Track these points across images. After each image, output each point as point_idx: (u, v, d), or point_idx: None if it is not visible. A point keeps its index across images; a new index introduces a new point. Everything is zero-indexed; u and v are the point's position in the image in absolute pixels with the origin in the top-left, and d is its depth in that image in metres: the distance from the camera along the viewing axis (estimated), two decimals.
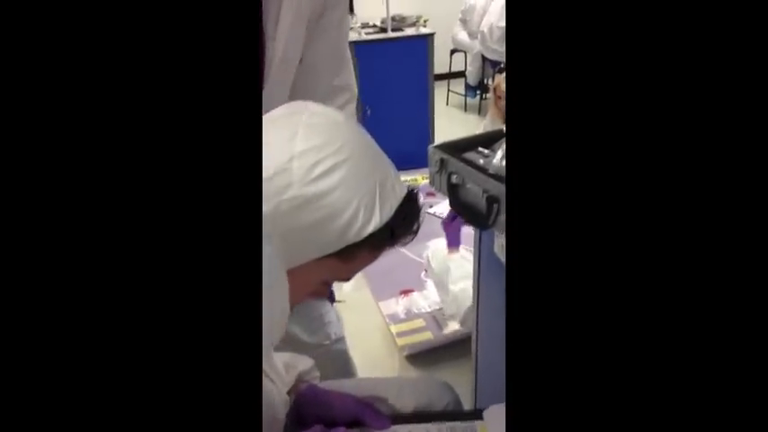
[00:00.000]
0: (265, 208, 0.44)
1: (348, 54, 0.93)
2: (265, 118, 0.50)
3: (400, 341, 1.66)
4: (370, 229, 0.46)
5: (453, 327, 1.69)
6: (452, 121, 4.09)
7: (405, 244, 0.52)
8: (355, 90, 0.96)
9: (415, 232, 0.52)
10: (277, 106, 0.53)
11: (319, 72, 0.88)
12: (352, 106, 0.97)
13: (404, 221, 0.50)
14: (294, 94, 0.86)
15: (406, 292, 1.91)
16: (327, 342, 1.07)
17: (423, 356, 1.62)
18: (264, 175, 0.44)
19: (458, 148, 0.87)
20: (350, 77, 0.94)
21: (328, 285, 0.54)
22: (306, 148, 0.45)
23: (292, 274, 0.47)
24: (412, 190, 0.52)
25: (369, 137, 0.51)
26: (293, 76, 0.85)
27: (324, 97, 0.90)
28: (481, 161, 0.80)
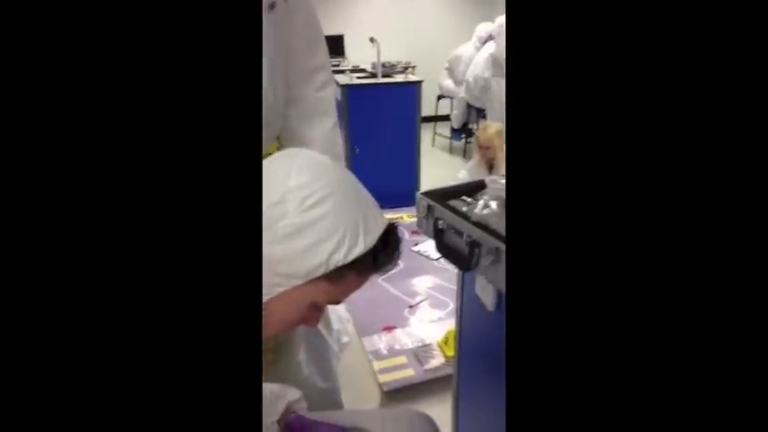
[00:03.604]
0: (265, 236, 0.51)
1: (321, 35, 0.97)
2: (265, 161, 0.58)
3: (382, 378, 1.69)
4: (356, 252, 0.54)
5: (434, 364, 1.73)
6: (438, 162, 4.22)
7: (387, 271, 0.59)
8: (330, 71, 0.99)
9: (396, 260, 0.60)
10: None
11: (295, 55, 0.92)
12: (332, 88, 1.00)
13: (386, 249, 0.58)
14: (273, 74, 0.87)
15: (389, 329, 1.95)
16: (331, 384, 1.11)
17: (404, 392, 1.65)
18: (264, 205, 0.52)
19: (443, 195, 0.95)
20: (324, 58, 0.97)
21: (319, 311, 0.60)
22: (298, 184, 0.53)
23: (287, 295, 0.55)
24: (393, 224, 0.60)
25: (353, 177, 0.60)
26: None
27: (302, 79, 0.94)
28: (464, 209, 0.88)
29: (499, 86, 3.47)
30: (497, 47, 3.44)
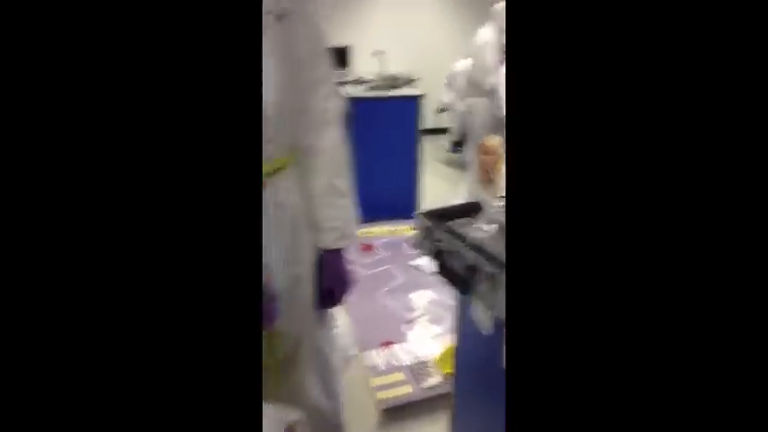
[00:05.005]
0: None
1: (326, 46, 0.98)
2: None
3: (380, 395, 1.68)
4: None
5: (432, 381, 1.72)
6: (437, 175, 4.23)
7: None
8: (335, 82, 1.02)
9: None
10: None
11: (300, 66, 0.94)
12: (337, 98, 1.01)
13: None
14: (280, 86, 0.90)
15: (387, 344, 1.94)
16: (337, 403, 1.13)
17: (400, 410, 1.63)
18: None
19: (442, 215, 0.95)
20: (328, 69, 0.99)
21: None
22: None
23: None
24: None
25: None
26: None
27: (305, 90, 0.96)
28: (462, 230, 0.88)
29: (477, 107, 3.13)
30: (474, 67, 3.11)
